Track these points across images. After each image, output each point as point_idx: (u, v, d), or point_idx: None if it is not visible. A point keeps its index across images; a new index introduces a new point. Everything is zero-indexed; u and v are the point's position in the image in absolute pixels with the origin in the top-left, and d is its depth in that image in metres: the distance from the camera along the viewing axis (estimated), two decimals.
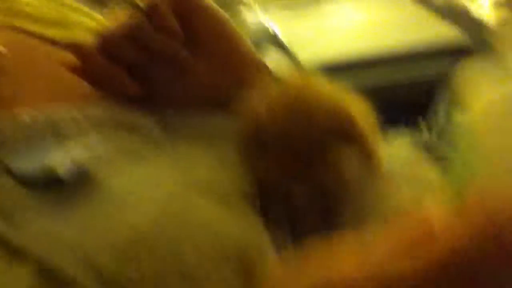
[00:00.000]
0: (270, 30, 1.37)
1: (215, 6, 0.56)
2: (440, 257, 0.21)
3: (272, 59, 1.25)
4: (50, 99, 0.47)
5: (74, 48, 0.51)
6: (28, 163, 0.36)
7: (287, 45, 1.26)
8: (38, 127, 0.41)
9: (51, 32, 0.57)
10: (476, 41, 1.24)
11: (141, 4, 0.51)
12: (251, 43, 1.14)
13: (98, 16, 0.63)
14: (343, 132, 0.41)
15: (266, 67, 0.60)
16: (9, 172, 0.35)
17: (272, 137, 0.41)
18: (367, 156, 0.41)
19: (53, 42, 0.56)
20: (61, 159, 0.36)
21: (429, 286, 0.21)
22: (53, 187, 0.35)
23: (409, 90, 1.15)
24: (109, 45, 0.50)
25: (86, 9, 0.64)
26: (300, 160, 0.41)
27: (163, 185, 0.39)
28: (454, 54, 1.22)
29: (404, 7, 1.48)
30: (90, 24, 0.60)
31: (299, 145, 0.40)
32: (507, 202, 0.20)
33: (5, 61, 0.50)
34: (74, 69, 0.50)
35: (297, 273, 0.26)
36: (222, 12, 0.56)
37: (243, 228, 0.39)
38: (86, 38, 0.56)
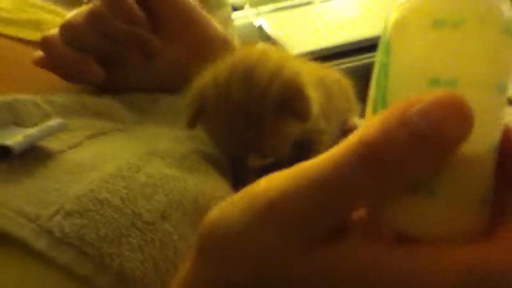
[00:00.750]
0: (260, 28, 1.38)
1: None
2: (352, 145, 0.21)
3: None
4: (22, 93, 0.48)
5: (40, 41, 0.52)
6: None
7: (277, 41, 1.27)
8: None
9: (24, 33, 0.59)
10: None
11: None
12: (237, 38, 1.15)
13: (66, 13, 0.65)
14: (282, 94, 0.40)
15: (231, 43, 0.61)
16: None
17: (214, 101, 0.42)
18: (300, 113, 0.41)
19: (27, 42, 0.58)
20: (14, 135, 0.37)
21: (343, 174, 0.21)
22: (4, 159, 0.35)
23: None
24: (71, 34, 0.51)
25: (59, 9, 0.66)
26: (243, 122, 0.41)
27: (120, 156, 0.40)
28: None
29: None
30: (58, 22, 0.61)
31: (235, 106, 0.40)
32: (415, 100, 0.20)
33: None
34: (40, 61, 0.51)
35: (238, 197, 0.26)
36: None
37: (201, 183, 0.39)
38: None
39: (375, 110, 0.24)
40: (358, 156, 0.21)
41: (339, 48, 1.21)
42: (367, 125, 0.21)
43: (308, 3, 1.55)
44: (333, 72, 0.59)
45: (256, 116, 0.40)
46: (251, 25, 1.44)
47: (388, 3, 1.41)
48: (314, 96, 0.41)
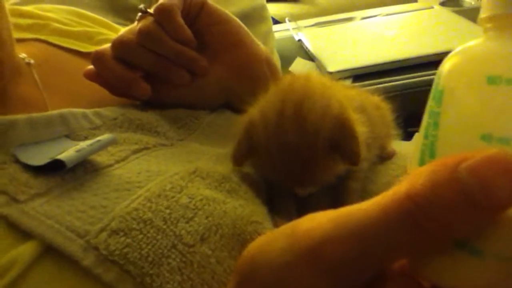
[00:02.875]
0: (300, 43, 1.39)
1: (221, 9, 0.58)
2: (398, 199, 0.21)
3: (299, 68, 1.26)
4: (73, 104, 0.50)
5: (92, 56, 0.54)
6: (37, 154, 0.38)
7: (316, 56, 1.27)
8: (51, 124, 0.44)
9: (78, 45, 0.61)
10: None
11: (151, 10, 0.54)
12: (278, 54, 1.16)
13: (119, 27, 0.67)
14: (332, 134, 0.40)
15: (274, 64, 0.61)
16: (18, 162, 0.38)
17: (264, 140, 0.42)
18: (350, 157, 0.41)
19: (80, 54, 0.60)
20: (67, 149, 0.39)
21: (388, 227, 0.21)
22: (57, 172, 0.37)
23: None
24: (122, 50, 0.53)
25: (110, 23, 0.68)
26: (294, 161, 0.41)
27: (164, 173, 0.41)
28: None
29: (438, 17, 1.47)
30: (111, 36, 0.63)
31: (288, 147, 0.41)
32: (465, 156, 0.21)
33: (33, 70, 0.54)
34: (90, 75, 0.53)
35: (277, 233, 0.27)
36: (229, 15, 0.58)
37: (240, 207, 0.40)
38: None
39: (422, 160, 0.24)
40: (404, 212, 0.21)
41: (378, 67, 1.20)
42: (415, 176, 0.22)
43: (349, 20, 1.55)
44: (373, 96, 0.58)
45: (308, 156, 0.40)
46: (291, 39, 1.44)
47: (429, 24, 1.40)
48: (361, 131, 0.42)
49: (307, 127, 0.40)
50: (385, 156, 0.54)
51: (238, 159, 0.44)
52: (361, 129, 0.42)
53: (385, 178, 0.48)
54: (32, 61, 0.54)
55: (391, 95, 1.13)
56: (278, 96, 0.43)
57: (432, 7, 1.58)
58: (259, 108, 0.44)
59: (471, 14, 1.43)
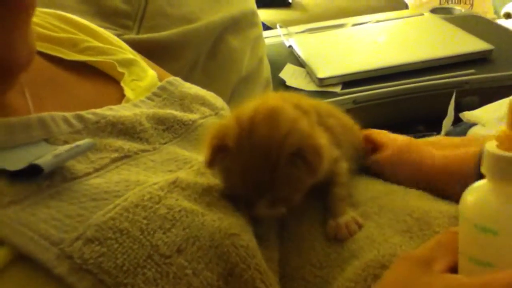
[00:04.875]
0: (291, 49, 1.38)
1: None
2: None
3: (290, 74, 1.26)
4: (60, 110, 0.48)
5: None
6: (14, 158, 0.38)
7: (306, 62, 1.27)
8: (29, 128, 0.42)
9: (60, 52, 0.59)
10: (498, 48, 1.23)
11: None
12: (268, 60, 1.15)
13: (104, 34, 0.66)
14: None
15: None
16: None
17: (236, 139, 0.43)
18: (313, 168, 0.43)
19: (61, 61, 0.58)
20: (45, 154, 0.38)
21: None
22: (34, 178, 0.36)
23: (428, 100, 1.14)
24: None
25: (92, 27, 0.66)
26: (260, 163, 0.42)
27: (143, 183, 0.40)
28: (475, 62, 1.20)
29: (428, 24, 1.48)
30: (95, 44, 0.62)
31: (257, 148, 0.42)
32: None
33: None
34: None
35: None
36: None
37: (218, 220, 0.40)
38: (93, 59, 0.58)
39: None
40: None
41: (368, 73, 1.20)
42: None
43: (340, 26, 1.55)
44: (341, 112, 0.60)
45: (275, 157, 0.41)
46: (281, 45, 1.44)
47: (419, 31, 1.41)
48: (325, 145, 0.44)
49: (278, 129, 0.42)
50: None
51: (211, 159, 0.44)
52: (325, 142, 0.44)
53: (370, 192, 0.48)
54: None
55: (381, 101, 1.14)
56: (253, 106, 0.44)
57: (422, 14, 1.59)
58: (234, 113, 0.45)
59: (461, 21, 1.44)
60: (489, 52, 1.23)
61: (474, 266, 0.32)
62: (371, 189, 0.48)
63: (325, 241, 0.44)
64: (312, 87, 1.20)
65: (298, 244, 0.45)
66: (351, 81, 1.19)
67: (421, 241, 0.40)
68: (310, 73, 1.25)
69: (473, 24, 1.44)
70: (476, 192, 0.33)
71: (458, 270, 0.34)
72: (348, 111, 0.60)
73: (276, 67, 1.30)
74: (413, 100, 1.14)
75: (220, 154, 0.43)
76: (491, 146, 0.32)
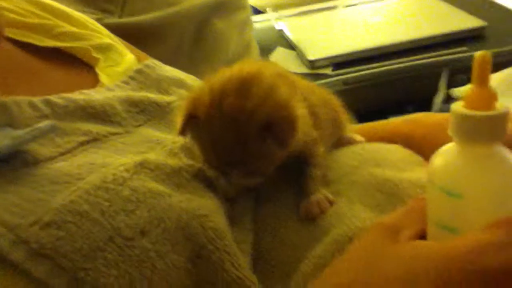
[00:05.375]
0: (281, 32, 1.37)
1: None
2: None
3: (280, 58, 1.24)
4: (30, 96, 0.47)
5: None
6: None
7: (296, 45, 1.26)
8: None
9: (34, 39, 0.58)
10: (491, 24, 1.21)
11: None
12: (258, 44, 1.13)
13: (80, 18, 0.64)
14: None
15: None
16: None
17: (207, 109, 0.41)
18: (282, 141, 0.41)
19: (34, 48, 0.57)
20: (3, 138, 0.36)
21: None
22: None
23: (420, 79, 1.12)
24: None
25: (68, 12, 0.64)
26: (230, 134, 0.40)
27: (108, 165, 0.39)
28: (467, 39, 1.18)
29: (421, 3, 1.46)
30: (70, 29, 0.61)
31: (226, 120, 0.40)
32: None
33: None
34: None
35: None
36: None
37: (186, 201, 0.38)
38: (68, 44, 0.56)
39: None
40: None
41: (358, 54, 1.18)
42: None
43: (331, 8, 1.53)
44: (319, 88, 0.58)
45: (244, 130, 0.40)
46: (272, 28, 1.42)
47: (411, 10, 1.38)
48: (302, 115, 0.42)
49: (248, 100, 0.40)
50: (344, 142, 0.53)
51: (182, 127, 0.42)
52: (302, 112, 0.42)
53: (343, 169, 0.47)
54: None
55: (372, 82, 1.12)
56: (229, 73, 0.42)
57: None
58: (207, 82, 0.43)
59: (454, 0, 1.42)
60: (482, 29, 1.21)
61: (441, 231, 0.31)
62: (344, 165, 0.47)
63: (298, 221, 0.43)
64: (303, 70, 1.18)
65: (271, 225, 0.44)
66: (342, 62, 1.17)
67: None
68: (300, 56, 1.23)
69: (466, 1, 1.42)
70: (443, 155, 0.32)
71: (426, 237, 0.32)
72: (339, 92, 0.59)
73: (267, 51, 1.28)
74: (404, 80, 1.12)
75: (191, 123, 0.42)
76: (457, 106, 0.30)
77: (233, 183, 0.42)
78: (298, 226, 0.42)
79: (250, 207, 0.46)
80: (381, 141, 0.53)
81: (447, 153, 0.32)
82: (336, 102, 0.55)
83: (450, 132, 0.31)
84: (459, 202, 0.30)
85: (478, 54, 0.30)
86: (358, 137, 0.55)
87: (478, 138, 0.30)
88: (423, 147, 0.50)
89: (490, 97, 0.29)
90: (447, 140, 0.31)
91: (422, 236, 0.32)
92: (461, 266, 0.27)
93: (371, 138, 0.56)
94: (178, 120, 0.42)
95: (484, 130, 0.29)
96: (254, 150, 0.40)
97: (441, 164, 0.31)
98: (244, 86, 0.41)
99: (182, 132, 0.42)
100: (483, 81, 0.29)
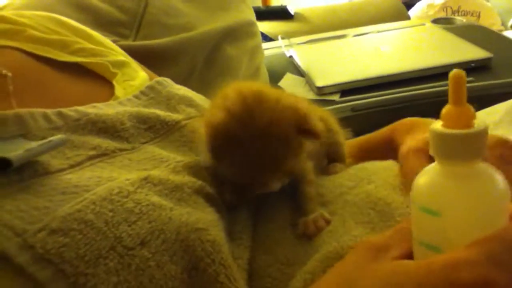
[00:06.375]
0: (291, 59, 1.39)
1: None
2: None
3: (289, 83, 1.27)
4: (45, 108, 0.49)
5: None
6: None
7: (305, 72, 1.28)
8: (5, 123, 0.43)
9: (52, 54, 0.61)
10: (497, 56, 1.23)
11: None
12: (268, 70, 1.16)
13: (97, 36, 0.67)
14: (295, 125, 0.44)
15: None
16: None
17: (235, 130, 0.43)
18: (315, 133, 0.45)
19: (52, 62, 0.59)
20: (17, 149, 0.38)
21: None
22: (4, 171, 0.37)
23: (427, 108, 1.13)
24: None
25: (85, 30, 0.67)
26: (268, 144, 0.44)
27: (115, 179, 0.41)
28: (474, 70, 1.20)
29: (429, 34, 1.48)
30: (88, 46, 0.63)
31: (264, 130, 0.43)
32: None
33: (9, 82, 0.53)
34: None
35: None
36: None
37: (186, 214, 0.40)
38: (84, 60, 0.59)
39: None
40: None
41: (366, 82, 1.20)
42: None
43: (341, 37, 1.56)
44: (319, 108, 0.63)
45: (284, 136, 0.43)
46: (282, 55, 1.45)
47: (419, 40, 1.41)
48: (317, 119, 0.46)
49: (276, 113, 0.43)
50: (330, 172, 0.55)
51: (214, 156, 0.45)
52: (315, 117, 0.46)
53: (339, 189, 0.49)
54: (9, 74, 0.54)
55: (379, 109, 1.14)
56: (232, 95, 0.45)
57: (423, 24, 1.59)
58: (218, 108, 0.45)
59: (462, 31, 1.44)
60: (488, 60, 1.23)
61: (425, 250, 0.31)
62: (340, 185, 0.49)
63: (294, 239, 0.44)
64: (311, 96, 1.20)
65: (267, 242, 0.45)
66: (349, 89, 1.19)
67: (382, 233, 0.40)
68: (309, 82, 1.26)
69: (473, 34, 1.44)
70: (425, 175, 0.32)
71: (413, 256, 0.33)
72: (347, 118, 0.61)
73: (277, 77, 1.30)
74: (411, 108, 1.14)
75: (222, 147, 0.44)
76: (436, 126, 0.30)
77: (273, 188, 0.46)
78: (294, 245, 0.44)
79: (250, 225, 0.48)
80: (371, 150, 0.55)
81: (428, 173, 0.32)
82: (333, 123, 0.57)
83: (430, 152, 0.31)
84: (438, 221, 0.30)
85: (452, 72, 0.30)
86: (341, 167, 0.56)
87: (456, 157, 0.30)
88: (399, 145, 0.53)
89: (468, 115, 0.29)
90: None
91: (411, 256, 0.33)
92: (435, 282, 0.28)
93: (363, 149, 0.57)
94: (202, 147, 0.44)
95: (462, 148, 0.29)
96: (294, 152, 0.44)
97: (421, 183, 0.31)
98: (261, 99, 0.44)
99: (215, 161, 0.45)
100: (459, 99, 0.30)
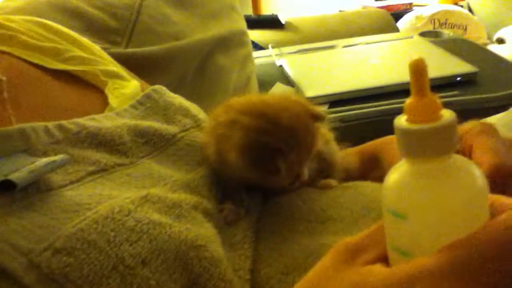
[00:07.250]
0: (281, 68, 1.41)
1: None
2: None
3: (279, 93, 1.28)
4: (42, 118, 0.49)
5: None
6: None
7: (295, 82, 1.29)
8: (9, 139, 0.43)
9: (45, 61, 0.60)
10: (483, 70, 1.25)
11: None
12: (258, 79, 1.17)
13: (88, 44, 0.67)
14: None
15: None
16: None
17: (276, 137, 0.48)
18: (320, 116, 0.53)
19: (44, 69, 0.59)
20: (22, 166, 0.39)
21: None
22: (8, 191, 0.37)
23: None
24: None
25: (76, 37, 0.67)
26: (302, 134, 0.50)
27: (115, 197, 0.42)
28: (459, 84, 1.22)
29: (417, 47, 1.51)
30: (79, 54, 0.63)
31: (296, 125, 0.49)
32: None
33: (4, 87, 0.53)
34: None
35: None
36: None
37: (186, 231, 0.41)
38: (76, 67, 0.59)
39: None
40: None
41: (354, 93, 1.22)
42: None
43: (330, 47, 1.58)
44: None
45: (306, 126, 0.50)
46: (272, 64, 1.47)
47: (409, 51, 1.43)
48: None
49: (291, 110, 0.50)
50: (321, 187, 0.58)
51: (273, 167, 0.48)
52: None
53: (346, 212, 0.51)
54: (4, 78, 0.54)
55: (367, 121, 1.15)
56: (238, 107, 0.51)
57: (411, 37, 1.62)
58: (237, 130, 0.48)
59: (449, 45, 1.47)
60: (473, 74, 1.25)
61: (397, 255, 0.28)
62: (349, 210, 0.51)
63: (296, 251, 0.45)
64: None
65: (270, 254, 0.46)
66: (338, 100, 1.21)
67: None
68: (298, 92, 1.27)
69: (460, 47, 1.47)
70: (392, 174, 0.29)
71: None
72: (336, 129, 0.62)
73: (267, 85, 1.32)
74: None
75: (277, 158, 0.47)
76: (400, 121, 0.27)
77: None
78: (293, 251, 0.45)
79: (251, 235, 0.49)
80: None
81: (396, 172, 0.29)
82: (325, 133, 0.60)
83: (397, 149, 0.28)
84: (405, 224, 0.27)
85: (411, 61, 0.27)
86: (334, 182, 0.58)
87: (424, 153, 0.27)
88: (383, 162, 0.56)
89: (433, 107, 0.26)
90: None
91: (385, 259, 0.30)
92: None
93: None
94: (261, 168, 0.48)
95: (430, 143, 0.26)
96: (315, 133, 0.51)
97: (388, 183, 0.29)
98: (269, 105, 0.50)
99: (277, 171, 0.47)
100: (421, 90, 0.27)
